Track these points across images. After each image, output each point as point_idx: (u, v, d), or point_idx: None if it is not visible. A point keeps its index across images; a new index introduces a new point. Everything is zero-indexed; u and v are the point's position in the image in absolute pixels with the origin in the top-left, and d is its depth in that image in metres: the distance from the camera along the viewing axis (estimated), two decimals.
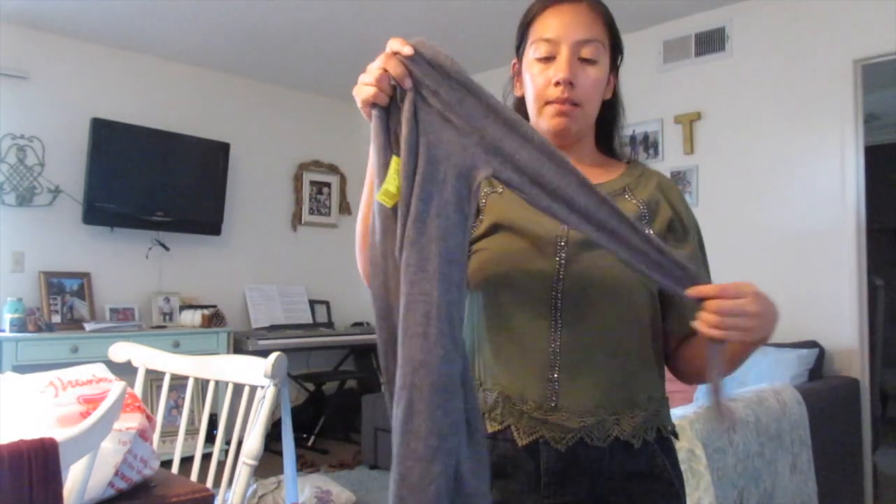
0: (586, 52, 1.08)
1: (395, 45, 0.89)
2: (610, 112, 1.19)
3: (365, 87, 0.90)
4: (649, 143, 4.06)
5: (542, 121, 1.11)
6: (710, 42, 3.86)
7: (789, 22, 3.59)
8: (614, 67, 1.16)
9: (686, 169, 3.92)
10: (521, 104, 1.19)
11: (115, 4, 3.87)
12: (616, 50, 1.15)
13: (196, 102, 4.90)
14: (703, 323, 0.93)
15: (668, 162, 3.98)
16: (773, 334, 0.97)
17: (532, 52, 1.11)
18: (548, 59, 1.09)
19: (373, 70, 0.90)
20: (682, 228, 1.13)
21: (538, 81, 1.10)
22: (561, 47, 1.08)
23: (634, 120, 4.06)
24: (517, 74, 1.19)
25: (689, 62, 3.94)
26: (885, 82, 4.43)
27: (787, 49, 3.59)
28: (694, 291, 0.94)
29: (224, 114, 5.03)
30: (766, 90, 3.65)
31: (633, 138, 4.09)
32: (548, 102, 1.10)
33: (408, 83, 0.89)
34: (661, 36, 4.04)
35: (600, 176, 1.16)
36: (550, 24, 1.09)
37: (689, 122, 3.90)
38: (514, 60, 1.19)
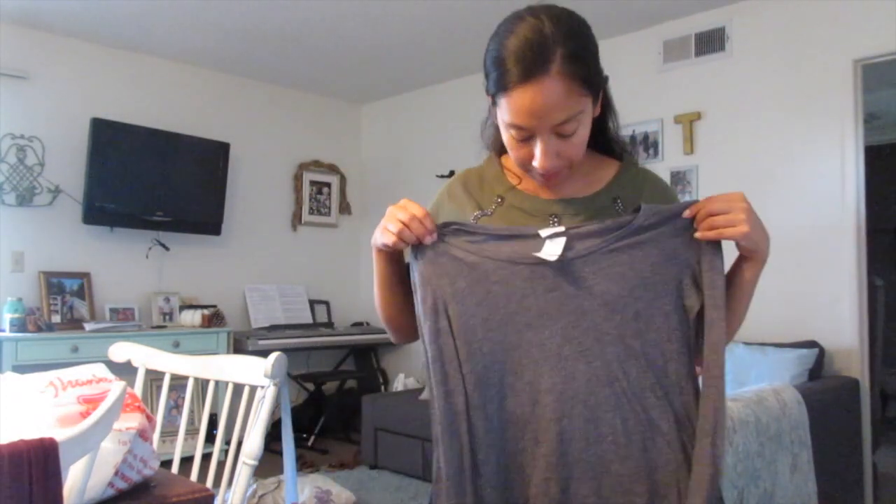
0: (564, 130, 1.02)
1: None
2: (600, 121, 1.14)
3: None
4: (649, 143, 4.06)
5: (529, 176, 1.12)
6: (710, 42, 3.86)
7: (789, 22, 3.59)
8: (599, 90, 1.08)
9: (686, 169, 3.92)
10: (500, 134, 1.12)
11: (115, 4, 3.88)
12: (598, 85, 1.06)
13: (196, 102, 4.90)
14: (701, 229, 1.02)
15: (668, 162, 3.98)
16: (767, 254, 1.07)
17: (504, 125, 1.06)
18: (524, 139, 1.05)
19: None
20: None
21: (518, 154, 1.07)
22: (535, 133, 1.03)
23: (634, 120, 4.07)
24: (493, 104, 1.10)
25: (689, 62, 3.94)
26: (885, 82, 4.43)
27: (787, 49, 3.59)
28: (688, 212, 1.04)
29: (224, 114, 5.03)
30: (766, 90, 3.65)
31: (633, 138, 4.09)
32: (530, 170, 1.09)
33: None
34: (661, 36, 4.04)
35: (589, 185, 1.15)
36: (521, 110, 1.00)
37: (689, 122, 3.90)
38: (489, 97, 1.09)
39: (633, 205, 1.11)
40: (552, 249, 1.03)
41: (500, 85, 1.02)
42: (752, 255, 1.06)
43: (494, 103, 1.07)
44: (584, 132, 1.05)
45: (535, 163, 1.05)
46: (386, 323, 1.23)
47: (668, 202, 1.14)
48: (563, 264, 1.03)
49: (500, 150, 1.19)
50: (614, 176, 1.16)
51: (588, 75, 1.01)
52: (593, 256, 1.03)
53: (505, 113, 1.03)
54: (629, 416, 1.02)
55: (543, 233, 1.05)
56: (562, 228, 1.05)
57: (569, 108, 1.00)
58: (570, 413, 1.02)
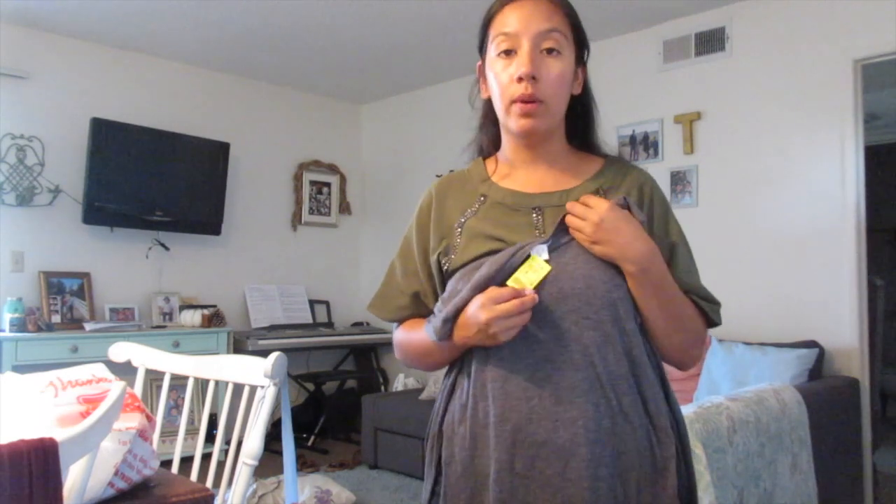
0: (548, 43, 1.08)
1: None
2: (581, 107, 1.18)
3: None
4: (649, 143, 4.06)
5: (510, 121, 1.12)
6: (710, 42, 3.86)
7: (789, 22, 3.59)
8: (581, 62, 1.16)
9: (686, 169, 3.92)
10: (489, 106, 1.19)
11: (115, 4, 3.87)
12: (581, 44, 1.14)
13: (196, 102, 4.90)
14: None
15: (667, 162, 3.98)
16: (642, 266, 1.04)
17: (493, 48, 1.12)
18: (509, 53, 1.09)
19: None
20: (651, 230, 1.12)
21: (502, 79, 1.10)
22: (521, 40, 1.08)
23: (634, 120, 4.07)
24: (482, 76, 1.19)
25: (689, 62, 3.94)
26: (885, 82, 4.43)
27: (787, 49, 3.59)
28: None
29: (224, 114, 5.03)
30: (766, 90, 3.65)
31: (633, 138, 4.09)
32: (513, 101, 1.09)
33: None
34: (661, 36, 4.03)
35: (571, 179, 1.15)
36: (510, 19, 1.09)
37: (689, 122, 3.90)
38: (479, 62, 1.19)
39: (616, 196, 1.11)
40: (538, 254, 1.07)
41: (493, 11, 1.13)
42: (624, 267, 1.05)
43: (484, 50, 1.15)
44: (565, 64, 1.10)
45: (518, 72, 1.07)
46: (422, 367, 1.25)
47: (644, 194, 1.14)
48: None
49: (490, 143, 1.24)
50: (598, 170, 1.17)
51: (574, 16, 1.12)
52: (574, 242, 1.07)
53: (495, 29, 1.11)
54: (601, 401, 1.03)
55: (534, 250, 1.06)
56: (545, 250, 1.06)
57: (554, 20, 1.09)
58: (541, 394, 1.03)
